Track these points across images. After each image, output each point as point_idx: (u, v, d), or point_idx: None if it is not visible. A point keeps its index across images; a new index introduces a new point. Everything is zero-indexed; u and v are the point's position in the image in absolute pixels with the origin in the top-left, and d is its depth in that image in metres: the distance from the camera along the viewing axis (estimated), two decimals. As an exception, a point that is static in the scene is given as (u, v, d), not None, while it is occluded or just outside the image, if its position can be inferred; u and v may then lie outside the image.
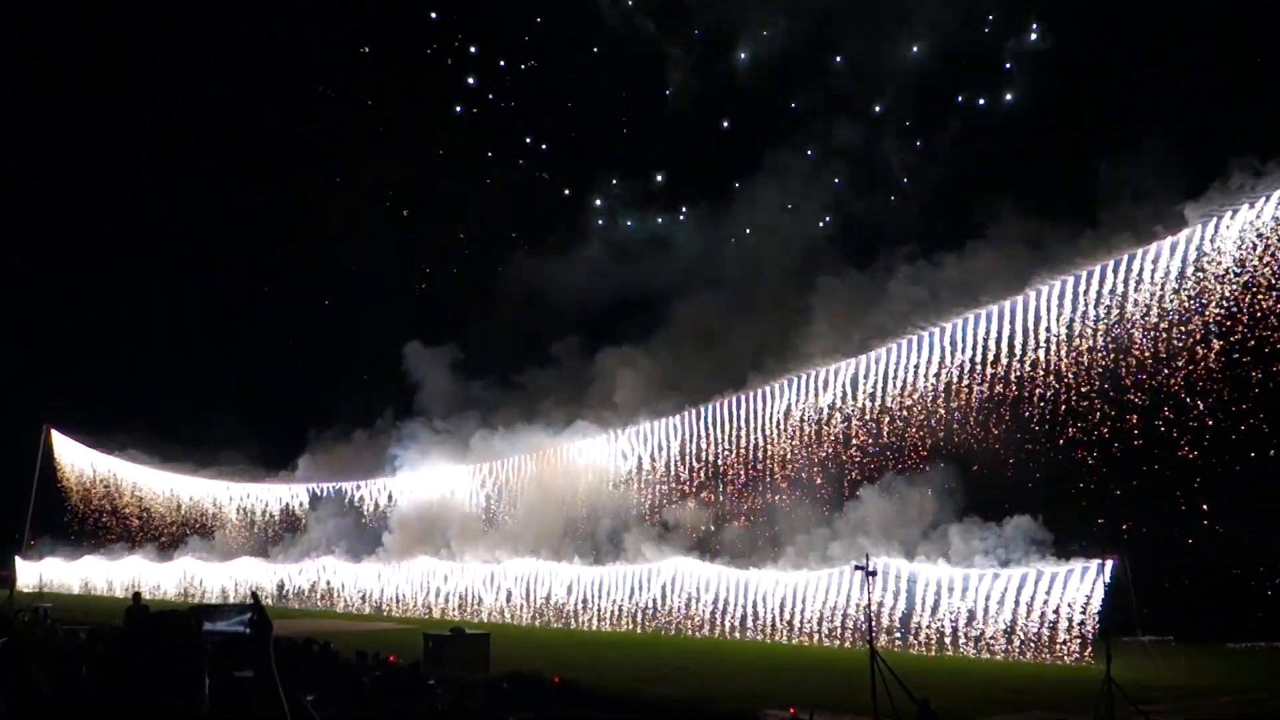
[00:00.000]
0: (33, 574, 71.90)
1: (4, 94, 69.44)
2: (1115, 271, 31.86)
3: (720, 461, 44.02)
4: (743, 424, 43.29)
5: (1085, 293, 32.63)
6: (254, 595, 5.32)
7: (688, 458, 45.14)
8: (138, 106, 70.98)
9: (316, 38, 62.81)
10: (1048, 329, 33.55)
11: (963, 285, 38.52)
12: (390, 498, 57.94)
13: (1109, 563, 25.46)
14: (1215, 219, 29.51)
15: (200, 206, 74.24)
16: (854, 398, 39.53)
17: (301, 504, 62.52)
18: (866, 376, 38.98)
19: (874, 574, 26.53)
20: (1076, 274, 32.83)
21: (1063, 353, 33.23)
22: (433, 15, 57.25)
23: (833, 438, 40.26)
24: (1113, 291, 31.94)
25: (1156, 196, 32.35)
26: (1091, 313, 32.39)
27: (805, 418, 41.23)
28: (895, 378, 38.10)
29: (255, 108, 67.83)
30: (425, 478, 55.79)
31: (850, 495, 38.44)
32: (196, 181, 72.78)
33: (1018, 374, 34.46)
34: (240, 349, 73.72)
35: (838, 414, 40.10)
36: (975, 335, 35.62)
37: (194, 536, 67.00)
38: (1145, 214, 32.06)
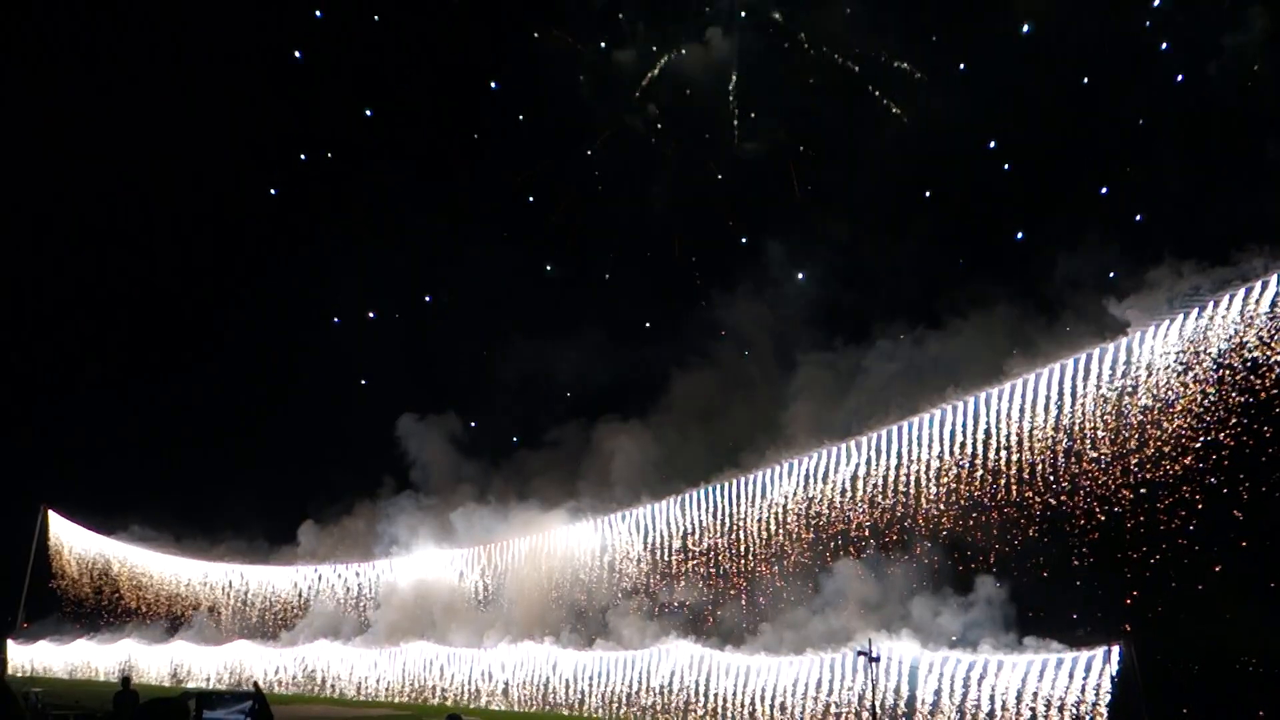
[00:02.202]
0: (25, 657, 70.30)
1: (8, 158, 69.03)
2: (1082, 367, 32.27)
3: (709, 543, 43.64)
4: (730, 506, 43.14)
5: (1046, 389, 33.02)
6: (255, 685, 5.01)
7: (680, 538, 44.67)
8: (139, 176, 71.09)
9: (319, 114, 63.46)
10: (1028, 418, 33.66)
11: (943, 363, 39.15)
12: (375, 581, 57.09)
13: (1115, 649, 24.88)
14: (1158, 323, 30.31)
15: (203, 282, 74.05)
16: (829, 482, 39.61)
17: (303, 585, 61.40)
18: (837, 467, 39.16)
19: (877, 659, 25.95)
20: (1043, 369, 33.22)
21: (1037, 444, 33.30)
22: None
23: (813, 521, 40.12)
24: (1069, 394, 32.50)
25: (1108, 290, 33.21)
26: (1075, 403, 32.47)
27: (787, 504, 41.12)
28: (875, 464, 38.19)
29: (259, 181, 68.00)
30: (416, 560, 54.93)
31: (824, 569, 38.23)
32: (197, 257, 72.78)
33: (995, 463, 34.45)
34: (243, 419, 72.76)
35: (817, 499, 40.04)
36: (955, 423, 35.78)
37: (189, 620, 65.65)
38: (1105, 306, 32.85)
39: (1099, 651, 25.56)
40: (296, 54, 58.71)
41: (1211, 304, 28.75)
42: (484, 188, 62.00)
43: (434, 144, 62.80)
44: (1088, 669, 25.69)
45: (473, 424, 59.99)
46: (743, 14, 52.10)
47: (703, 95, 56.39)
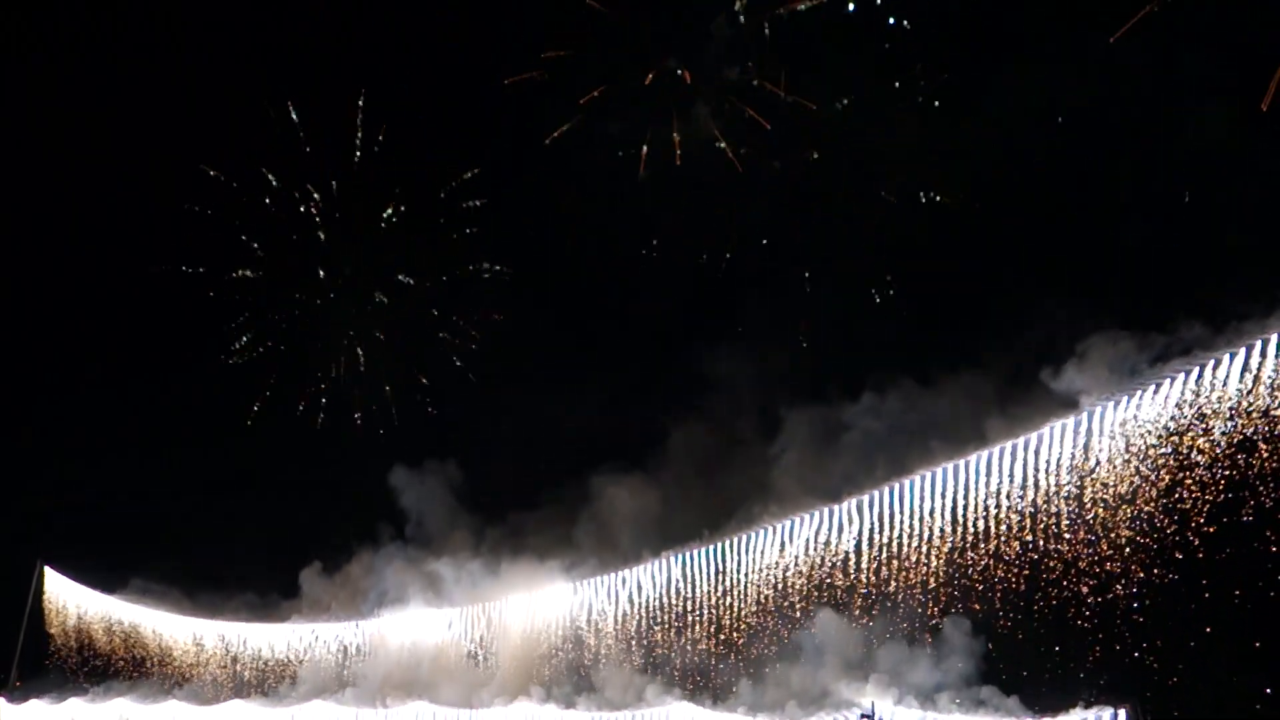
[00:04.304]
0: (18, 717, 68.81)
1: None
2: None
3: (697, 604, 43.46)
4: (718, 567, 43.07)
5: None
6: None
7: (669, 598, 44.46)
8: (134, 231, 70.42)
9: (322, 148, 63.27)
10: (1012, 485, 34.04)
11: (929, 421, 39.53)
12: (366, 637, 56.45)
13: (1122, 712, 24.67)
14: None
15: (205, 330, 73.21)
16: (814, 549, 39.73)
17: (297, 645, 60.51)
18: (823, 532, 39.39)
19: (880, 722, 25.61)
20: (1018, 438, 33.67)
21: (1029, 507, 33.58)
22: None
23: (807, 583, 40.14)
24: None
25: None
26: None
27: (776, 566, 41.18)
28: (862, 528, 38.36)
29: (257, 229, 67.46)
30: (407, 618, 54.30)
31: (810, 630, 38.15)
32: (199, 310, 72.03)
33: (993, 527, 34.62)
34: (245, 471, 71.43)
35: (805, 562, 40.13)
36: (943, 487, 36.10)
37: (184, 680, 64.48)
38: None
39: (1106, 713, 25.35)
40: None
41: (1208, 366, 29.09)
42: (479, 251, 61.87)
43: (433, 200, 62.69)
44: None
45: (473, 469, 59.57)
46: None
47: (692, 161, 56.62)
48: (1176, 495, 30.29)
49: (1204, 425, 29.70)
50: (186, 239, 68.31)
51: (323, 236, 62.80)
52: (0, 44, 62.74)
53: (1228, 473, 29.13)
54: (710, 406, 53.01)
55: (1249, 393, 28.55)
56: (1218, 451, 29.45)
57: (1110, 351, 32.38)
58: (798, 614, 39.68)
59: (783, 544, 40.70)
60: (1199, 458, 29.77)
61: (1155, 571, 30.15)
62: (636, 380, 57.20)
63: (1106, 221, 43.22)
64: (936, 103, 48.54)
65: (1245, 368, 28.87)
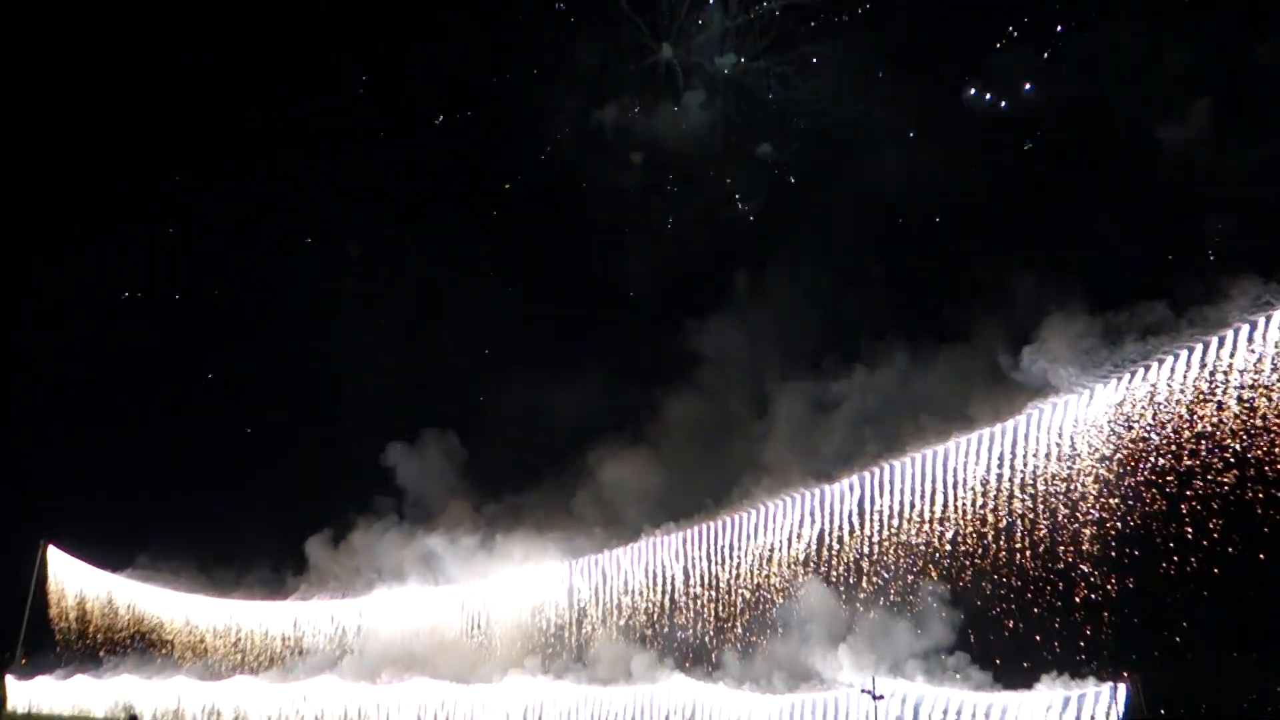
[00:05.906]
0: (24, 693, 68.72)
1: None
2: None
3: (689, 580, 43.52)
4: (706, 548, 43.08)
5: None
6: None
7: (668, 573, 44.41)
8: (146, 228, 70.33)
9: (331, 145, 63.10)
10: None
11: (918, 396, 39.51)
12: (366, 614, 56.34)
13: (1122, 686, 24.41)
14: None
15: (209, 314, 73.06)
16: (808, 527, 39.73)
17: (300, 622, 60.34)
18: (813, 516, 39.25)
19: (881, 698, 25.38)
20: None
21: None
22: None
23: (788, 558, 40.18)
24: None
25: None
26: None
27: (768, 544, 41.18)
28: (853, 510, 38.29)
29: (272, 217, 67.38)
30: (407, 594, 54.13)
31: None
32: (203, 297, 71.90)
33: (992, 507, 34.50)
34: (250, 447, 71.28)
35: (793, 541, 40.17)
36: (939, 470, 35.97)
37: (189, 656, 64.35)
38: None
39: (1105, 688, 25.09)
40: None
41: (1204, 347, 28.89)
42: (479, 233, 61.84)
43: (433, 187, 62.63)
44: (1095, 705, 25.20)
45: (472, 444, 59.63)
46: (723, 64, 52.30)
47: (686, 146, 56.57)
48: (1162, 477, 30.13)
49: (1193, 407, 29.44)
50: (184, 245, 68.85)
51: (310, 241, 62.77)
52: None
53: (1215, 454, 28.94)
54: (705, 382, 52.99)
55: (1238, 372, 28.33)
56: (1205, 432, 29.20)
57: (1094, 336, 32.27)
58: (785, 589, 39.74)
59: (770, 524, 40.73)
60: (1186, 438, 29.55)
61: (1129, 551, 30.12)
62: (633, 356, 57.24)
63: (1094, 208, 43.23)
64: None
65: (1248, 348, 28.56)
